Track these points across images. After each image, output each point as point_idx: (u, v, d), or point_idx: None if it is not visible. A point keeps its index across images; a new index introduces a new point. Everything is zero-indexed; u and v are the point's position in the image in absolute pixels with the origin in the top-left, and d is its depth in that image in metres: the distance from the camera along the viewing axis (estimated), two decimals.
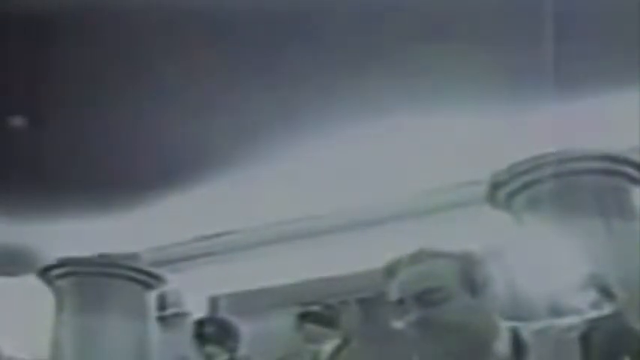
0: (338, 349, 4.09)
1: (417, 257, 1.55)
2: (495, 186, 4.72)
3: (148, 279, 6.05)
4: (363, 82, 4.07)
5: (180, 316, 6.29)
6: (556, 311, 1.62)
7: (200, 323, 4.06)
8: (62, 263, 5.86)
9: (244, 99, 4.20)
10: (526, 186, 4.55)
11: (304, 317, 4.18)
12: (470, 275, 1.52)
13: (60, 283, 5.91)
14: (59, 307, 5.88)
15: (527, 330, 1.53)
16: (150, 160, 4.84)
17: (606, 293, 1.43)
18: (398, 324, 1.51)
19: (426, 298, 1.48)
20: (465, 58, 3.82)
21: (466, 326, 1.48)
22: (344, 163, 4.86)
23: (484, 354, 1.49)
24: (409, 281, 1.52)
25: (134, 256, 6.03)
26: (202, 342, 3.93)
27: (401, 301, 1.51)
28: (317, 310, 4.19)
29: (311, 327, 4.15)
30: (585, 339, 1.44)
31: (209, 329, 3.94)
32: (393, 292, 1.53)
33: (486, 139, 4.51)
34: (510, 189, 4.66)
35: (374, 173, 4.95)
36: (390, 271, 1.56)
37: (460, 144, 4.62)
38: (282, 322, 4.64)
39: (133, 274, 5.96)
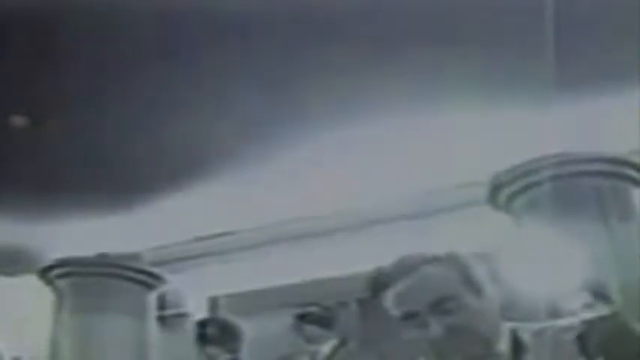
0: (335, 350, 4.09)
1: (406, 266, 1.53)
2: (496, 187, 4.71)
3: (148, 279, 6.04)
4: (363, 83, 4.07)
5: (180, 316, 6.29)
6: (555, 313, 1.61)
7: (202, 324, 4.07)
8: (62, 263, 5.85)
9: (245, 99, 4.19)
10: (527, 187, 4.54)
11: (302, 318, 4.20)
12: (468, 277, 1.52)
13: (60, 283, 5.90)
14: (59, 307, 5.88)
15: (526, 330, 1.53)
16: (150, 160, 4.84)
17: (602, 298, 1.43)
18: (411, 335, 1.49)
19: (442, 307, 1.47)
20: (464, 58, 3.82)
21: (477, 328, 1.48)
22: (343, 163, 4.86)
23: (489, 355, 1.48)
24: (416, 292, 1.50)
25: (134, 256, 6.03)
26: (204, 343, 3.93)
27: (413, 314, 1.49)
28: (315, 311, 4.20)
29: (309, 328, 4.16)
30: (583, 339, 1.43)
31: (211, 330, 3.94)
32: (396, 305, 1.51)
33: (486, 140, 4.51)
34: (511, 190, 4.65)
35: (374, 174, 4.95)
36: (381, 283, 1.54)
37: (460, 145, 4.62)
38: (281, 322, 4.64)
39: (132, 274, 5.95)
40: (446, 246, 1.60)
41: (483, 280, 1.54)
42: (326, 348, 4.11)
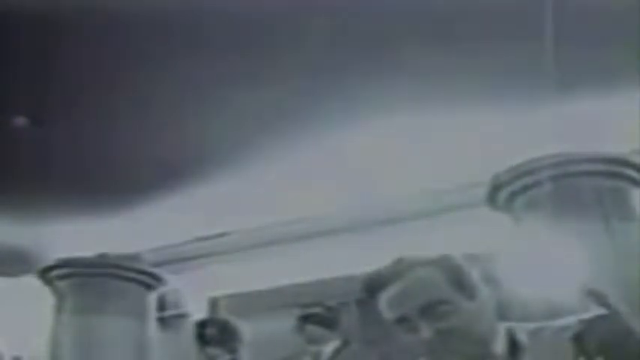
0: (337, 351, 4.09)
1: (400, 269, 1.53)
2: (496, 187, 4.72)
3: (148, 280, 6.05)
4: (363, 83, 4.07)
5: (180, 317, 6.29)
6: (553, 313, 1.62)
7: (201, 324, 4.05)
8: (62, 264, 5.86)
9: (244, 99, 4.19)
10: (527, 188, 4.55)
11: (306, 319, 4.19)
12: (460, 279, 1.52)
13: (60, 283, 5.91)
14: (59, 308, 5.88)
15: (522, 330, 1.53)
16: (150, 161, 4.84)
17: (600, 298, 1.43)
18: (407, 338, 1.50)
19: (432, 311, 1.47)
20: (464, 58, 3.82)
21: (472, 331, 1.48)
22: (344, 164, 4.86)
23: (487, 356, 1.49)
24: (407, 296, 1.50)
25: (134, 257, 6.03)
26: (204, 343, 3.93)
27: (404, 318, 1.49)
28: (318, 312, 4.19)
29: (312, 328, 4.15)
30: (580, 339, 1.43)
31: (211, 330, 3.93)
32: (389, 309, 1.51)
33: (486, 140, 4.51)
34: (511, 190, 4.66)
35: (374, 174, 4.95)
36: (376, 285, 1.54)
37: (460, 145, 4.62)
38: (282, 323, 4.63)
39: (133, 274, 5.96)
40: (447, 247, 1.59)
41: (477, 282, 1.54)
42: (328, 349, 4.11)
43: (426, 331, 1.46)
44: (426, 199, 5.20)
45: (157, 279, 6.12)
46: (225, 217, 5.61)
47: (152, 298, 6.16)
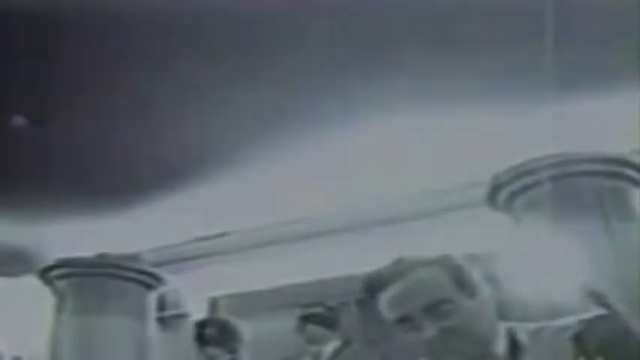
0: (338, 351, 4.09)
1: (401, 269, 1.53)
2: (496, 187, 4.72)
3: (148, 280, 6.06)
4: (363, 83, 4.07)
5: (180, 317, 6.29)
6: (553, 313, 1.62)
7: (201, 324, 4.05)
8: (62, 264, 5.86)
9: (244, 99, 4.19)
10: (527, 188, 4.55)
11: (306, 319, 4.19)
12: (461, 278, 1.52)
13: (60, 283, 5.91)
14: (59, 308, 5.89)
15: (523, 330, 1.53)
16: (150, 161, 4.84)
17: (600, 298, 1.43)
18: (406, 338, 1.50)
19: (436, 310, 1.47)
20: (464, 58, 3.82)
21: (473, 330, 1.48)
22: (344, 163, 4.86)
23: (487, 355, 1.49)
24: (407, 296, 1.50)
25: (134, 257, 6.03)
26: (204, 343, 3.93)
27: (406, 318, 1.49)
28: (319, 312, 4.20)
29: (313, 328, 4.16)
30: (581, 339, 1.43)
31: (210, 330, 3.93)
32: (390, 309, 1.52)
33: (486, 140, 4.51)
34: (511, 190, 4.66)
35: (374, 174, 4.95)
36: (376, 285, 1.54)
37: (460, 145, 4.62)
38: (282, 323, 4.63)
39: (133, 274, 5.96)
40: (447, 247, 1.60)
41: (478, 281, 1.54)
42: (328, 349, 4.11)
43: (429, 330, 1.46)
44: (426, 199, 5.20)
45: (157, 279, 6.12)
46: (225, 217, 5.61)
47: (152, 298, 6.17)
